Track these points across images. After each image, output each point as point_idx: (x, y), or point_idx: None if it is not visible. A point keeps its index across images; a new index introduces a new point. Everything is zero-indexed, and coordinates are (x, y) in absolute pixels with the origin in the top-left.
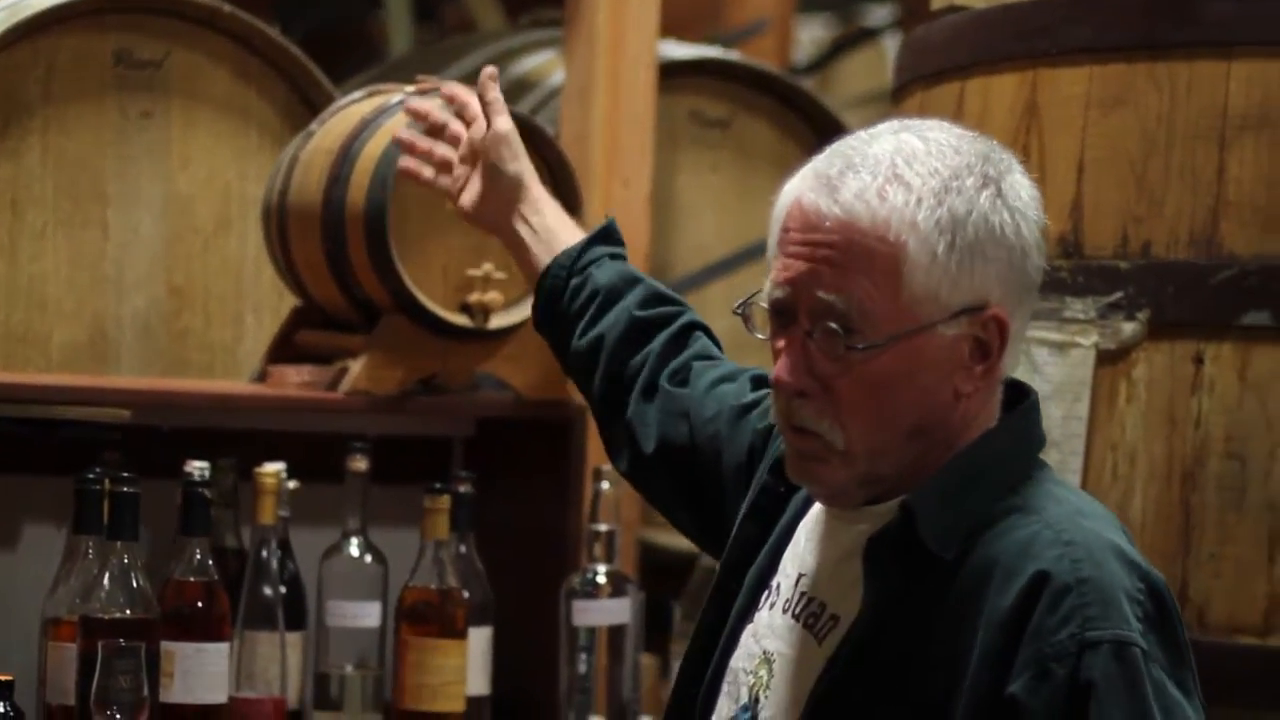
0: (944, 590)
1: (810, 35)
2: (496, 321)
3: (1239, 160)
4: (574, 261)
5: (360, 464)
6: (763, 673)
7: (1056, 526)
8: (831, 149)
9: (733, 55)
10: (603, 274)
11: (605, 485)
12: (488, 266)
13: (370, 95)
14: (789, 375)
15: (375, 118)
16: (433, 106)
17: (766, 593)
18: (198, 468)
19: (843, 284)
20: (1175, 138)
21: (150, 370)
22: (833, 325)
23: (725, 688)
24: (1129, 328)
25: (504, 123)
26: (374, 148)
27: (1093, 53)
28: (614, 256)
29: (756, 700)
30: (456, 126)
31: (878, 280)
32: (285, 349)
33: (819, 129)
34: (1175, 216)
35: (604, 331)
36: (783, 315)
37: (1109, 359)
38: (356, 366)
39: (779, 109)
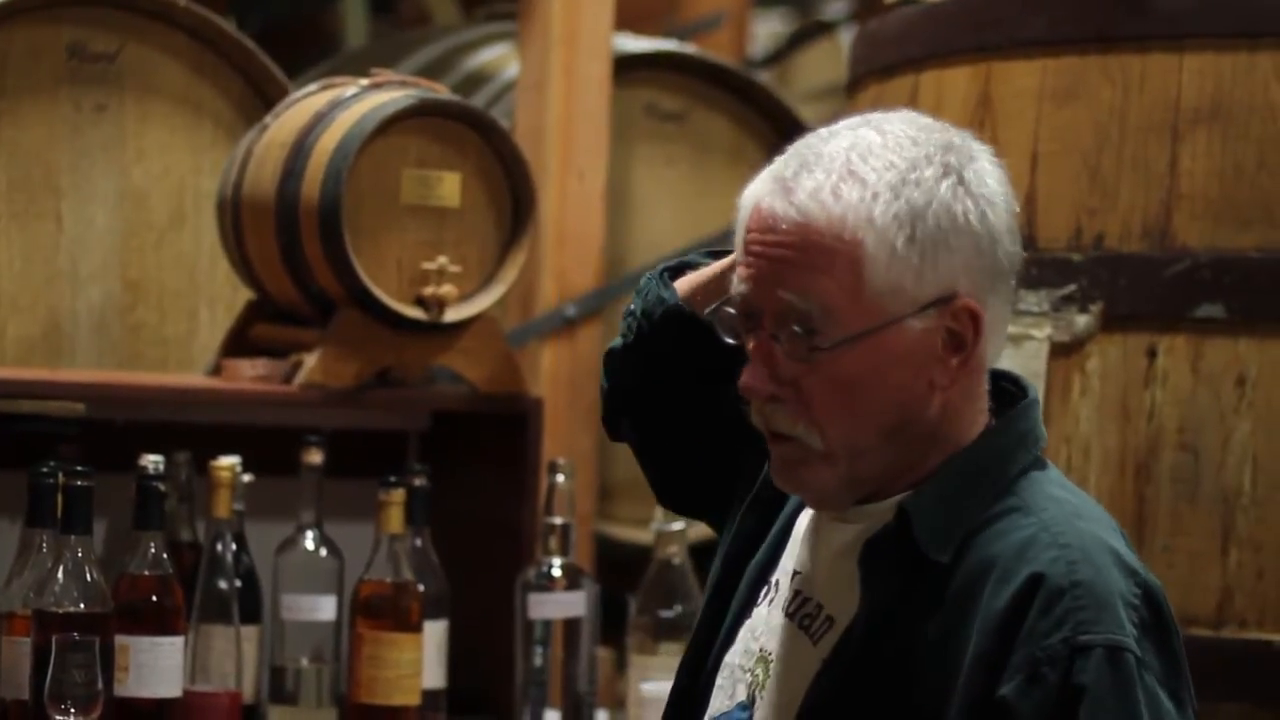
0: (940, 593)
1: (767, 29)
2: (451, 315)
3: (1191, 153)
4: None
5: (315, 457)
6: (759, 672)
7: (1053, 528)
8: (790, 149)
9: (688, 49)
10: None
11: (560, 478)
12: (442, 260)
13: (325, 89)
14: (756, 381)
15: (329, 111)
16: None
17: (766, 589)
18: (152, 461)
19: (803, 284)
20: (1128, 130)
21: (105, 364)
22: (796, 327)
23: (720, 682)
24: (1082, 320)
25: None
26: (328, 141)
27: (1045, 45)
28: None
29: (753, 700)
30: None
31: (839, 278)
32: (240, 343)
33: (775, 123)
34: (1128, 209)
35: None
36: (749, 319)
37: (1062, 351)
38: (311, 360)
39: (735, 103)
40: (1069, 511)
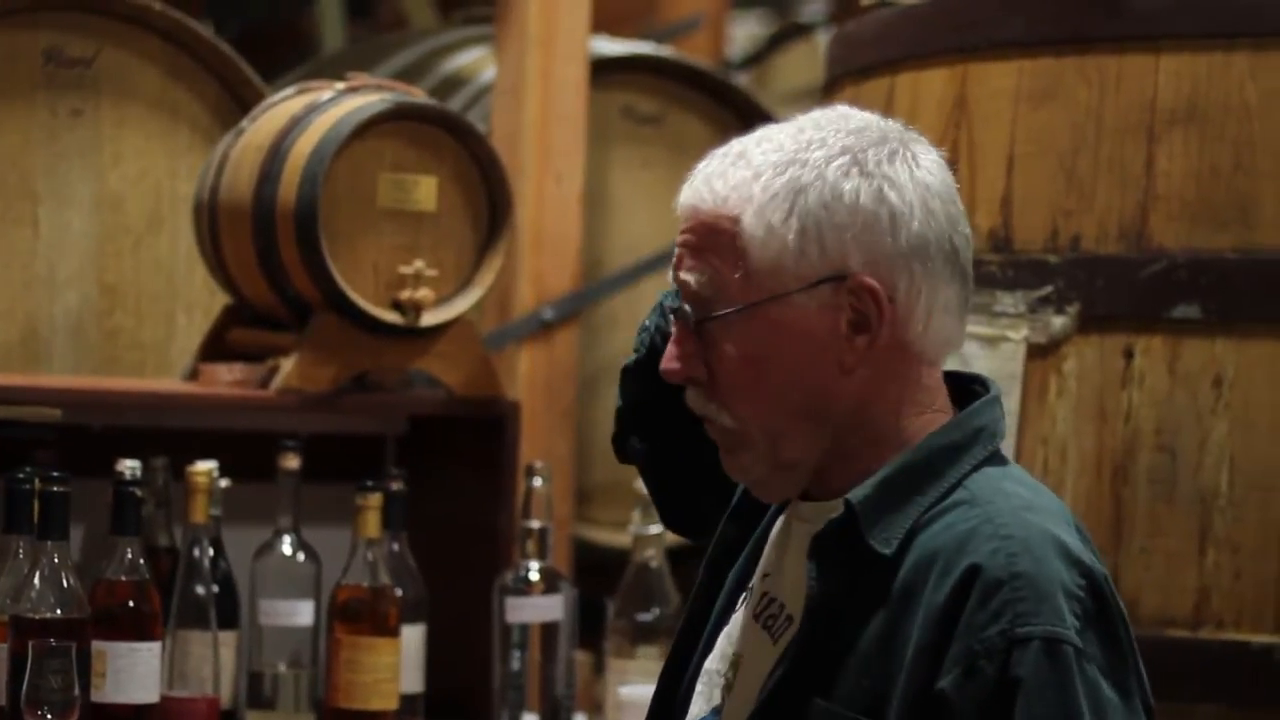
0: (886, 586)
1: (745, 31)
2: (428, 319)
3: (1168, 154)
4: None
5: (292, 462)
6: (731, 675)
7: (997, 520)
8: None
9: (665, 51)
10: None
11: (538, 482)
12: (419, 264)
13: (301, 93)
14: (669, 362)
15: (306, 115)
16: None
17: (744, 595)
18: (129, 467)
19: (697, 264)
20: (1104, 132)
21: (81, 369)
22: (687, 306)
23: (700, 688)
24: (1059, 321)
25: None
26: (304, 145)
27: (1022, 47)
28: None
29: (724, 703)
30: None
31: (723, 255)
32: (217, 347)
33: (752, 125)
34: (1105, 210)
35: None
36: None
37: (1039, 353)
38: (288, 364)
39: (712, 105)
40: (1017, 504)
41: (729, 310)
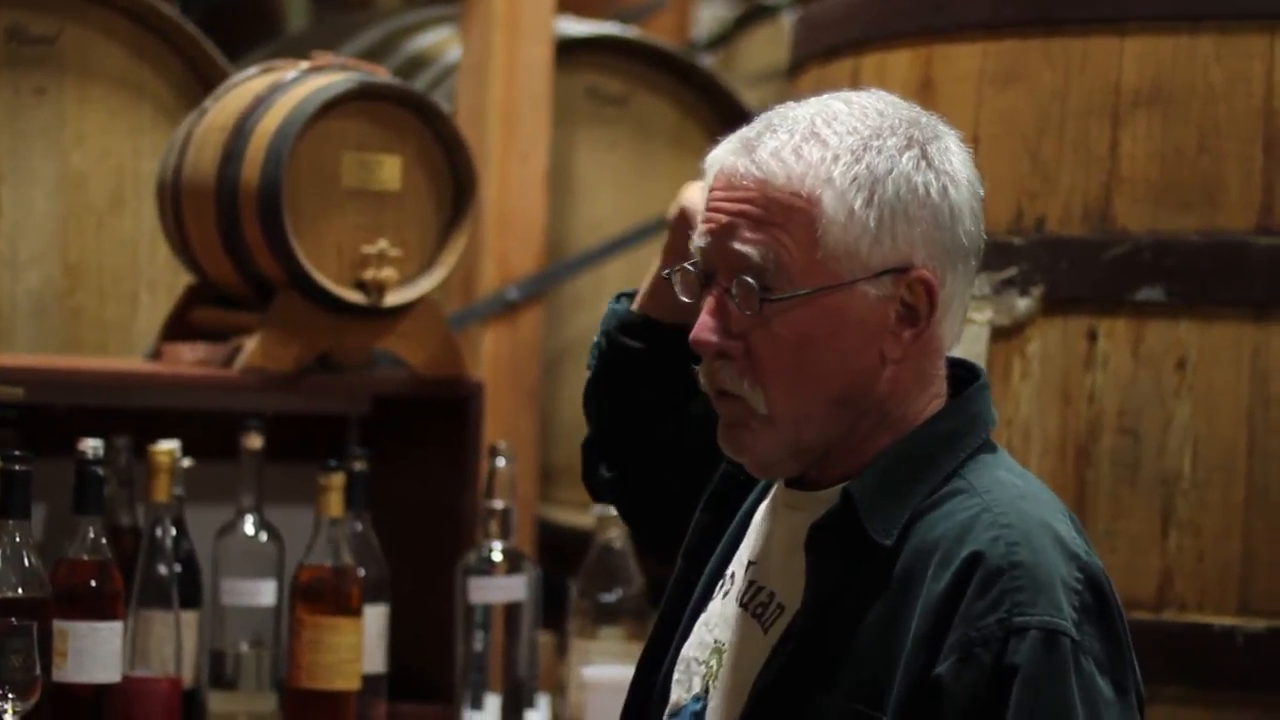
0: (885, 576)
1: (711, 13)
2: (391, 299)
3: (1132, 136)
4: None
5: (255, 442)
6: (713, 662)
7: (996, 509)
8: (759, 117)
9: (631, 32)
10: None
11: (501, 462)
12: (382, 243)
13: (265, 72)
14: (705, 333)
15: (270, 95)
16: None
17: (721, 582)
18: (92, 446)
19: (759, 238)
20: (1069, 114)
21: (44, 348)
22: (749, 279)
23: (678, 676)
24: (1023, 304)
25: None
26: (268, 124)
27: (987, 29)
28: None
29: (707, 690)
30: None
31: (794, 234)
32: (180, 327)
33: (717, 106)
34: (1069, 192)
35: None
36: (707, 276)
37: (1003, 335)
38: (251, 344)
39: (677, 86)
40: (1014, 494)
41: (796, 293)
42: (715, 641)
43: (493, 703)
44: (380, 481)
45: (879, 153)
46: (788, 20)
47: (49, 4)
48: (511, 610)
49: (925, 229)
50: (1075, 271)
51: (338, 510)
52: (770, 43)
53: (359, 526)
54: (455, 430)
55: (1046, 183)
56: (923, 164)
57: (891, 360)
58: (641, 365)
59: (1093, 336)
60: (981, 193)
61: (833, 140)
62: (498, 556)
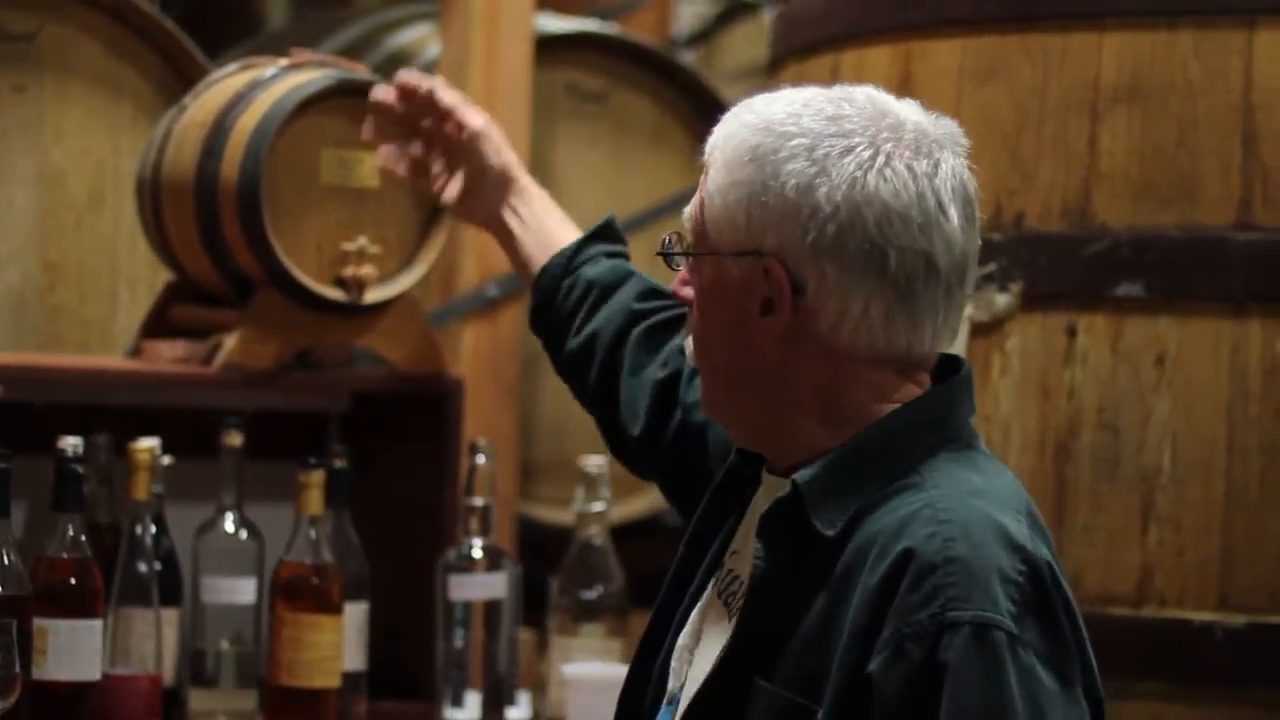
0: (829, 567)
1: (691, 9)
2: (371, 296)
3: (1111, 132)
4: (568, 261)
5: (235, 439)
6: (692, 644)
7: (939, 505)
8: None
9: (611, 29)
10: (596, 270)
11: (481, 459)
12: (362, 240)
13: (244, 69)
14: (676, 283)
15: (249, 91)
16: (390, 97)
17: (718, 571)
18: (71, 444)
19: (694, 199)
20: (1048, 110)
21: (23, 346)
22: (678, 232)
23: (674, 665)
24: (1002, 299)
25: (477, 120)
26: (247, 121)
27: (966, 25)
28: (611, 254)
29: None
30: (427, 123)
31: (700, 199)
32: (159, 324)
33: (698, 103)
34: (1048, 188)
35: (598, 328)
36: None
37: (982, 331)
38: (231, 341)
39: (657, 83)
40: (965, 489)
41: (687, 250)
42: (699, 630)
43: (473, 700)
44: (360, 479)
45: (769, 134)
46: (768, 17)
47: (28, 1)
48: (492, 607)
49: (778, 220)
50: (1054, 267)
51: (318, 508)
52: (751, 39)
53: (339, 524)
54: (435, 427)
55: (1026, 179)
56: (801, 156)
57: (759, 346)
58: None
59: (1072, 332)
60: (910, 210)
61: (746, 118)
62: (478, 554)
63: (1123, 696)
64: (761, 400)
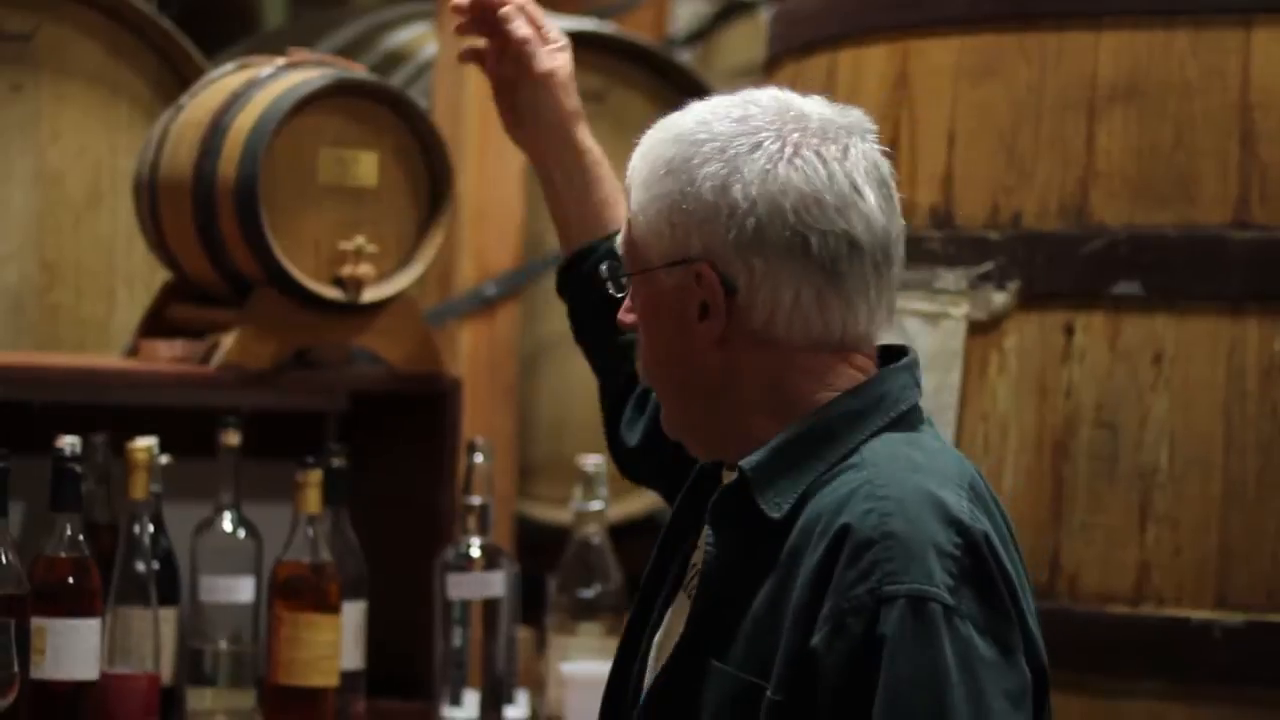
0: (778, 549)
1: (689, 8)
2: (369, 295)
3: (1108, 130)
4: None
5: (233, 438)
6: (665, 640)
7: (877, 482)
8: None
9: (608, 28)
10: None
11: (479, 458)
12: (359, 240)
13: (241, 68)
14: (622, 311)
15: (246, 91)
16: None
17: (687, 570)
18: (69, 443)
19: (624, 227)
20: (1045, 108)
21: (21, 346)
22: (613, 261)
23: (650, 663)
24: (1000, 298)
25: (545, 62)
26: (245, 121)
27: (962, 24)
28: None
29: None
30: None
31: (626, 222)
32: (157, 324)
33: (695, 101)
34: (1045, 187)
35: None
36: None
37: (980, 329)
38: (229, 341)
39: (655, 82)
40: (904, 466)
41: (621, 275)
42: (669, 625)
43: (471, 699)
44: (358, 478)
45: (680, 143)
46: (765, 16)
47: (26, 1)
48: (490, 606)
49: (699, 223)
50: (1052, 266)
51: (316, 507)
52: (748, 38)
53: (337, 523)
54: (433, 426)
55: (1023, 177)
56: (714, 159)
57: (702, 350)
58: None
59: (1070, 331)
60: (820, 193)
61: (656, 135)
62: (476, 552)
63: (1121, 695)
64: (713, 405)
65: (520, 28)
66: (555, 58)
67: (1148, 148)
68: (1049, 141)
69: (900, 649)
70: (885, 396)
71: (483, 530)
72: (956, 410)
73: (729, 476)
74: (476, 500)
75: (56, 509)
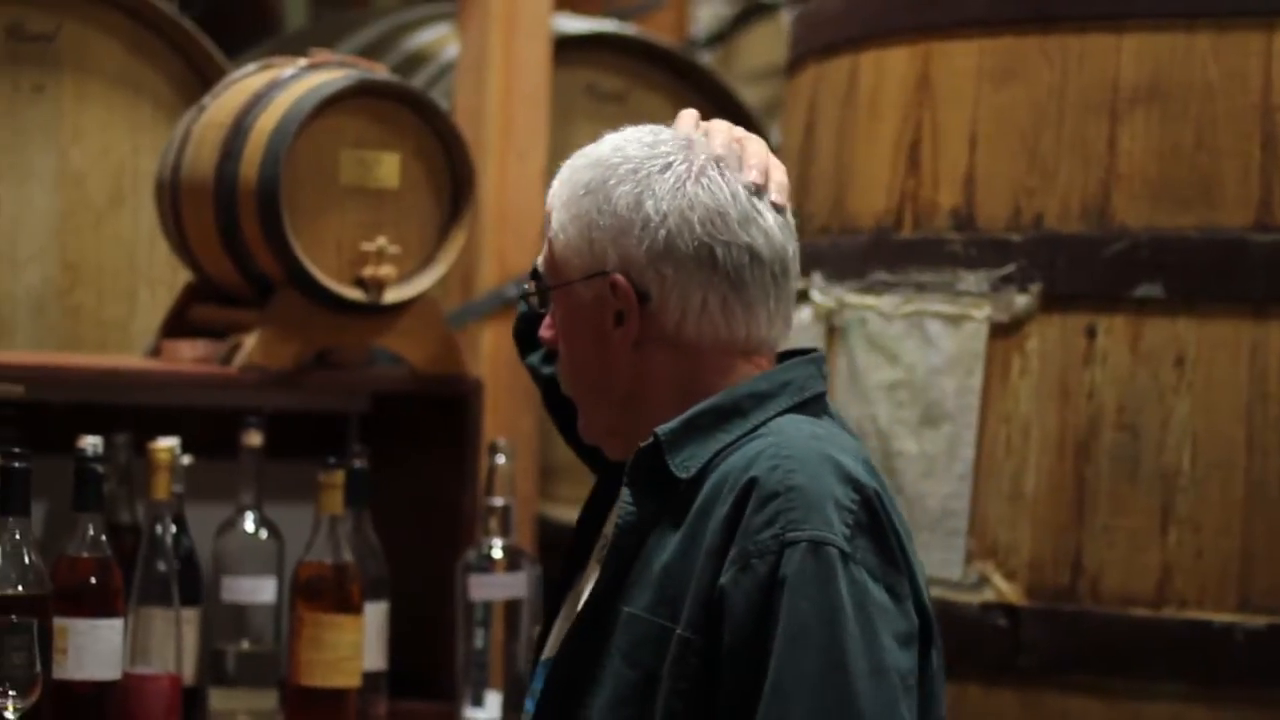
0: (687, 506)
1: (709, 10)
2: (391, 296)
3: (1130, 133)
4: None
5: (255, 439)
6: (570, 610)
7: (781, 444)
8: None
9: (629, 30)
10: None
11: (501, 459)
12: (381, 241)
13: (263, 69)
14: (543, 328)
15: (268, 92)
16: None
17: (596, 546)
18: (91, 443)
19: (542, 246)
20: (1066, 110)
21: (44, 346)
22: (532, 279)
23: (551, 636)
24: (1021, 300)
25: None
26: (267, 122)
27: (984, 26)
28: None
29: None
30: None
31: (547, 241)
32: (179, 324)
33: (716, 104)
34: (1067, 189)
35: None
36: None
37: (1002, 332)
38: (250, 341)
39: (675, 84)
40: (806, 434)
41: (543, 289)
42: (576, 594)
43: (493, 700)
44: (380, 479)
45: (593, 168)
46: (786, 18)
47: (48, 2)
48: (512, 607)
49: (615, 237)
50: (1074, 268)
51: (337, 507)
52: (769, 40)
53: (359, 524)
54: (455, 427)
55: (1045, 179)
56: (628, 179)
57: (620, 355)
58: None
59: (1091, 333)
60: (725, 209)
61: (575, 163)
62: (498, 554)
63: (1143, 698)
64: (629, 406)
65: None
66: None
67: (1169, 150)
68: (1071, 143)
69: (801, 588)
70: (791, 382)
71: (505, 531)
72: (978, 412)
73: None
74: (498, 501)
75: (79, 509)
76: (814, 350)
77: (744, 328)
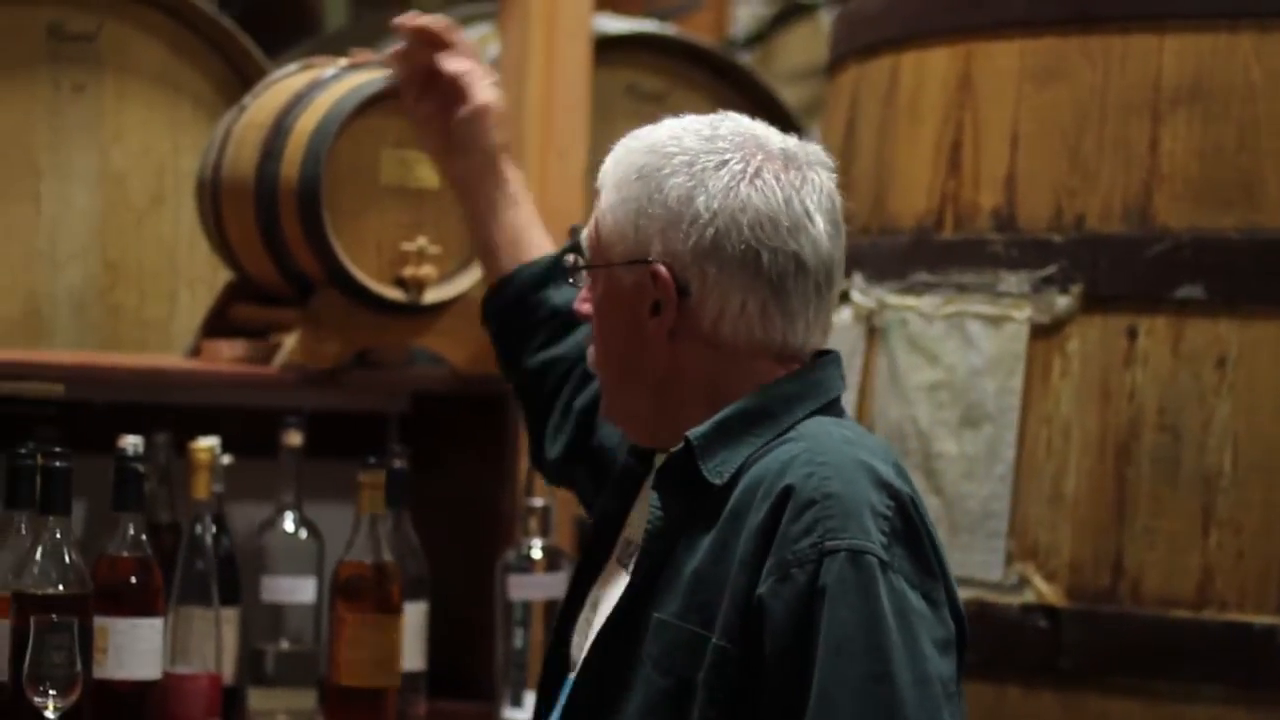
0: (719, 512)
1: (749, 10)
2: (431, 296)
3: (1172, 133)
4: (542, 276)
5: (295, 439)
6: (590, 615)
7: (815, 450)
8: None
9: (669, 30)
10: (562, 297)
11: None
12: (422, 241)
13: (304, 69)
14: (578, 301)
15: (309, 92)
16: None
17: (616, 549)
18: (131, 443)
19: (588, 223)
20: (1108, 111)
21: (84, 345)
22: (576, 254)
23: (575, 639)
24: (1063, 301)
25: (478, 96)
26: (307, 122)
27: (1025, 26)
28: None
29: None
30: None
31: (595, 222)
32: (219, 324)
33: (755, 104)
34: (1109, 189)
35: (557, 356)
36: None
37: (1043, 332)
38: (291, 341)
39: (715, 84)
40: (838, 439)
41: (587, 265)
42: (595, 599)
43: (532, 700)
44: (420, 479)
45: (649, 154)
46: (826, 18)
47: (89, 1)
48: (551, 608)
49: (662, 228)
50: (1115, 269)
51: (378, 507)
52: (808, 40)
53: (399, 524)
54: (495, 428)
55: (1086, 180)
56: (682, 171)
57: (653, 344)
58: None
59: (1133, 334)
60: (778, 216)
61: (631, 144)
62: (537, 554)
63: (1183, 700)
64: (655, 394)
65: (461, 60)
66: (491, 90)
67: (1211, 150)
68: (1112, 144)
69: (842, 597)
70: (819, 383)
71: (544, 532)
72: (1019, 413)
73: (661, 461)
74: (538, 502)
75: (119, 509)
76: (832, 351)
77: (781, 334)
